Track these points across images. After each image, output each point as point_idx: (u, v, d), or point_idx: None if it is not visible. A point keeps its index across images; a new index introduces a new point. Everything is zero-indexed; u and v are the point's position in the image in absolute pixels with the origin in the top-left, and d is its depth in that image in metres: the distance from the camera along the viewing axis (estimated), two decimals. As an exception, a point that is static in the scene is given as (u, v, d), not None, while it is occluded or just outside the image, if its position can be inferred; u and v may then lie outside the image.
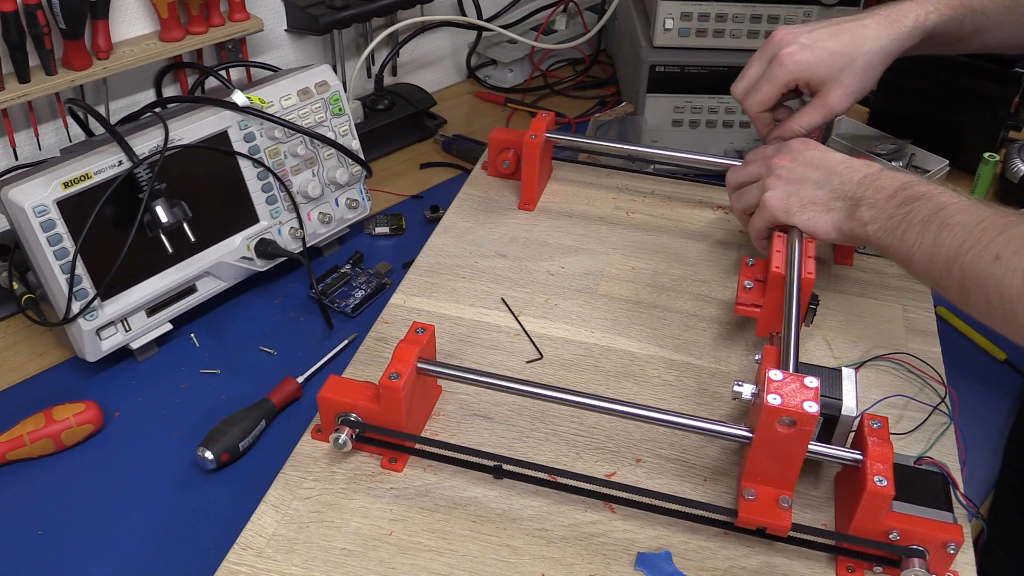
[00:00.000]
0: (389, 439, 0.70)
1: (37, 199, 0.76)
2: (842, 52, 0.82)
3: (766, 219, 0.81)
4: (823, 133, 0.98)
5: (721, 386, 0.79)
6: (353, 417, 0.69)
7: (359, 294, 0.97)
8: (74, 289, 0.79)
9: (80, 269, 0.79)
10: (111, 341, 0.84)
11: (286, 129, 0.92)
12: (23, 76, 0.92)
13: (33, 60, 0.93)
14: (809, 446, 0.63)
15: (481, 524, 0.66)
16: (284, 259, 0.95)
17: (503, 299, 0.88)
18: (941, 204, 0.68)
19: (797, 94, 0.88)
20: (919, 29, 0.82)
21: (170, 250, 0.84)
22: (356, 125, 1.09)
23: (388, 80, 1.30)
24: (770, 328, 0.79)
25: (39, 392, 0.84)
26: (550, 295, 0.89)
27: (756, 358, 0.72)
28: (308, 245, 0.97)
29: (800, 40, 0.83)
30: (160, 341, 0.89)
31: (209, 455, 0.75)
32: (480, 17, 1.35)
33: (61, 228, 0.78)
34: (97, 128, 0.95)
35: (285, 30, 1.18)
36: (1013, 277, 0.60)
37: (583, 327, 0.85)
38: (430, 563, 0.63)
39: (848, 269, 0.93)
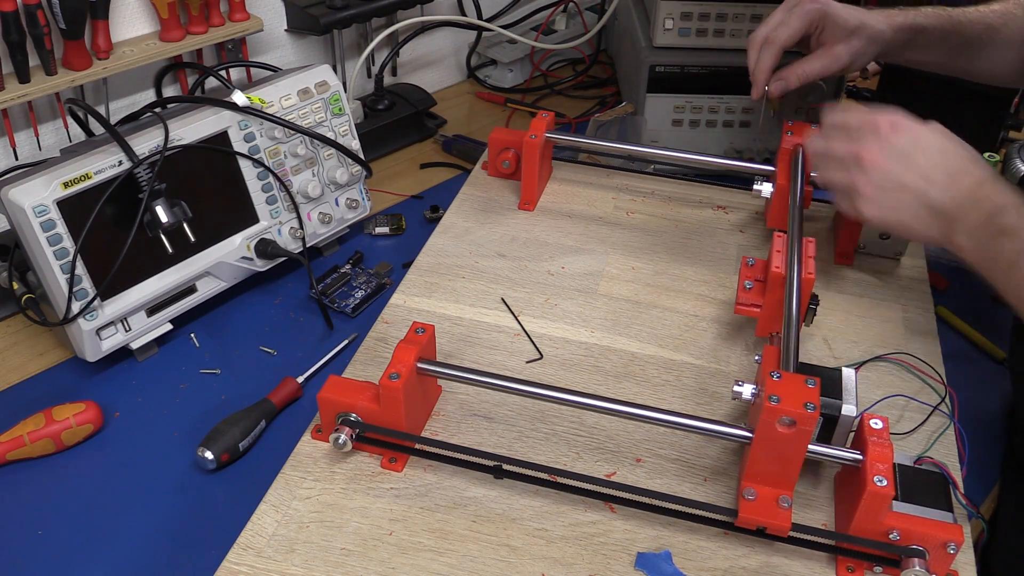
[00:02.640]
0: (389, 439, 0.70)
1: (37, 199, 0.76)
2: (856, 15, 0.90)
3: (859, 219, 0.77)
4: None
5: (721, 386, 0.79)
6: (353, 417, 0.69)
7: (359, 294, 0.97)
8: (74, 289, 0.79)
9: (80, 269, 0.79)
10: (111, 341, 0.84)
11: (286, 129, 0.91)
12: (23, 76, 0.92)
13: (33, 60, 0.93)
14: (809, 446, 0.63)
15: (481, 524, 0.66)
16: (284, 259, 0.95)
17: (503, 299, 0.88)
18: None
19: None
20: (908, 25, 0.92)
21: (170, 250, 0.84)
22: (356, 125, 1.09)
23: (388, 80, 1.30)
24: (770, 328, 0.80)
25: (39, 392, 0.84)
26: (550, 295, 0.89)
27: (756, 358, 0.72)
28: (308, 245, 0.97)
29: None
30: (160, 341, 0.89)
31: (209, 455, 0.75)
32: (480, 17, 1.35)
33: (61, 228, 0.77)
34: (97, 128, 0.95)
35: (285, 30, 1.18)
36: None
37: (583, 327, 0.85)
38: (430, 563, 0.63)
39: (848, 269, 0.93)
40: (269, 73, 1.02)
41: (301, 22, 1.16)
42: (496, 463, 0.68)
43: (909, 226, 0.72)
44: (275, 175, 0.93)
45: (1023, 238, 0.64)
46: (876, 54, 0.92)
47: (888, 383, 0.80)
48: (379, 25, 1.26)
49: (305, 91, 0.94)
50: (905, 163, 0.71)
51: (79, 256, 0.79)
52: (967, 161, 0.71)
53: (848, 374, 0.69)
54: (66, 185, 0.77)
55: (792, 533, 0.63)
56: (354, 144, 1.00)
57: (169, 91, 1.09)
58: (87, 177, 0.79)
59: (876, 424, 0.64)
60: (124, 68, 0.98)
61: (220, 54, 1.10)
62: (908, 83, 1.22)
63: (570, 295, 0.89)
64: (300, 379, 0.85)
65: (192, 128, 0.86)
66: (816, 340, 0.84)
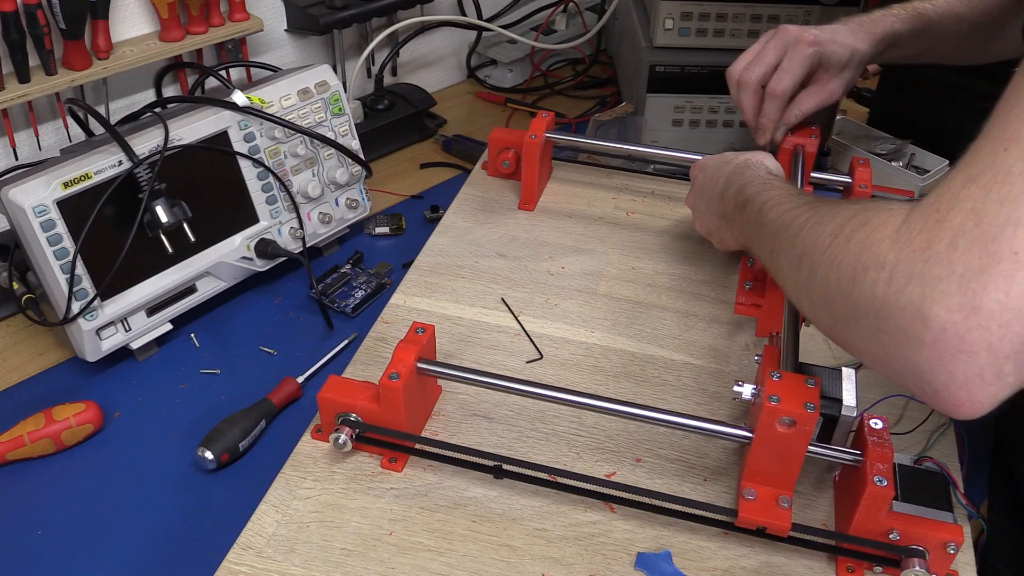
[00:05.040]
0: (389, 439, 0.70)
1: (37, 199, 0.76)
2: (847, 46, 0.90)
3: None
4: (823, 134, 0.98)
5: (721, 386, 0.79)
6: (353, 417, 0.69)
7: (359, 294, 0.97)
8: (74, 289, 0.79)
9: (80, 269, 0.79)
10: (111, 341, 0.84)
11: (286, 129, 0.91)
12: (23, 76, 0.92)
13: (33, 60, 0.93)
14: (809, 446, 0.63)
15: (481, 524, 0.66)
16: (284, 259, 0.95)
17: (503, 299, 0.88)
18: (760, 204, 0.69)
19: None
20: (887, 36, 0.92)
21: (170, 250, 0.84)
22: (356, 125, 1.09)
23: (388, 80, 1.30)
24: (770, 328, 0.79)
25: (39, 392, 0.84)
26: (550, 295, 0.89)
27: (756, 358, 0.72)
28: (308, 245, 0.97)
29: (812, 30, 0.91)
30: (160, 341, 0.89)
31: (209, 455, 0.75)
32: (480, 17, 1.35)
33: (61, 228, 0.77)
34: (97, 128, 0.95)
35: (285, 30, 1.18)
36: (797, 281, 0.58)
37: (583, 327, 0.85)
38: (430, 563, 0.63)
39: (848, 269, 0.93)
40: (269, 73, 1.02)
41: (301, 22, 1.16)
42: (496, 463, 0.68)
43: (722, 237, 0.82)
44: (275, 175, 0.93)
45: (759, 201, 0.69)
46: (860, 72, 0.94)
47: (888, 383, 0.79)
48: (379, 25, 1.26)
49: (305, 91, 0.94)
50: (704, 192, 0.85)
51: (79, 256, 0.79)
52: (727, 171, 0.80)
53: (848, 374, 0.69)
54: (66, 185, 0.77)
55: (792, 533, 0.63)
56: (354, 144, 1.00)
57: (169, 91, 1.09)
58: (87, 177, 0.79)
59: (876, 424, 0.64)
60: (124, 68, 0.98)
61: (220, 54, 1.10)
62: (907, 83, 1.22)
63: (570, 295, 0.89)
64: (300, 379, 0.85)
65: (192, 128, 0.86)
66: (816, 340, 0.84)
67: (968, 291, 0.43)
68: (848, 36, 0.91)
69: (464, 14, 1.36)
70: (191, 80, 1.09)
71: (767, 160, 0.79)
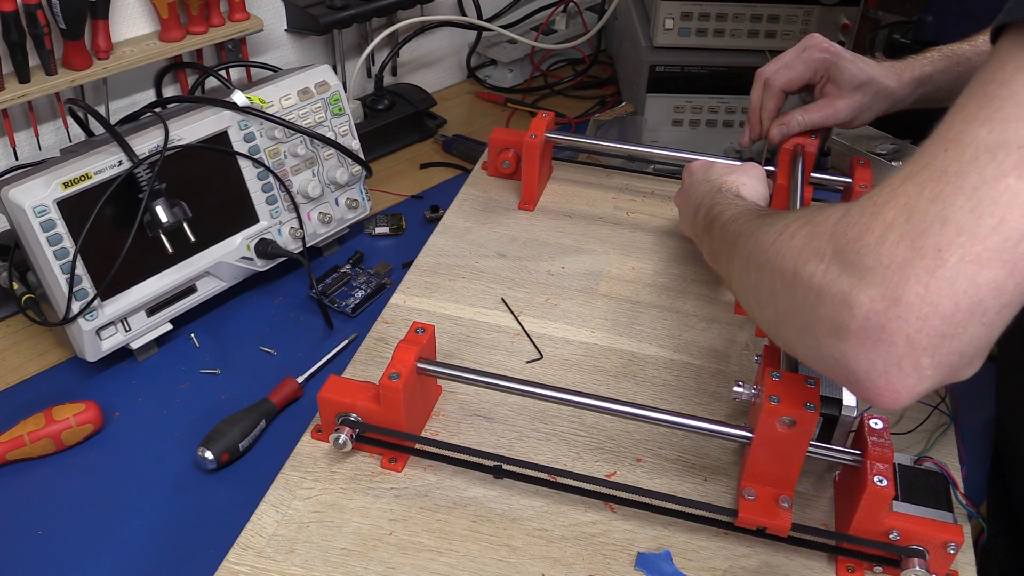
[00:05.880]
0: (389, 439, 0.70)
1: (37, 199, 0.76)
2: (867, 72, 0.90)
3: None
4: (822, 134, 0.98)
5: (721, 386, 0.79)
6: (353, 417, 0.69)
7: (359, 294, 0.97)
8: (74, 289, 0.79)
9: (80, 269, 0.79)
10: (111, 341, 0.84)
11: (286, 129, 0.91)
12: (23, 76, 0.92)
13: (33, 60, 0.93)
14: (809, 446, 0.63)
15: (481, 524, 0.66)
16: (284, 259, 0.95)
17: (503, 299, 0.88)
18: (723, 222, 0.69)
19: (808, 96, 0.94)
20: (915, 80, 0.91)
21: (170, 250, 0.84)
22: (356, 125, 1.09)
23: (388, 80, 1.30)
24: (770, 328, 0.79)
25: (39, 392, 0.84)
26: (550, 295, 0.89)
27: (756, 358, 0.72)
28: (308, 245, 0.97)
29: (835, 45, 0.91)
30: (160, 341, 0.89)
31: (209, 455, 0.75)
32: (480, 17, 1.35)
33: (61, 228, 0.77)
34: (97, 128, 0.95)
35: (285, 30, 1.18)
36: (743, 288, 0.61)
37: (583, 327, 0.85)
38: (430, 563, 0.63)
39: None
40: (269, 73, 1.02)
41: (301, 22, 1.16)
42: (496, 463, 0.68)
43: (699, 244, 0.80)
44: (275, 175, 0.93)
45: (722, 220, 0.70)
46: (884, 110, 0.92)
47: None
48: (379, 25, 1.26)
49: (305, 91, 0.94)
50: (687, 199, 0.85)
51: (79, 256, 0.79)
52: (701, 193, 0.81)
53: (848, 374, 0.69)
54: (66, 185, 0.77)
55: (792, 533, 0.63)
56: (354, 144, 1.00)
57: (169, 91, 1.09)
58: (87, 177, 0.79)
59: (876, 424, 0.64)
60: (124, 68, 0.98)
61: (220, 54, 1.10)
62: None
63: (570, 295, 0.89)
64: (300, 379, 0.85)
65: (192, 128, 0.86)
66: (816, 340, 0.84)
67: (891, 283, 0.44)
68: (873, 66, 0.90)
69: (464, 14, 1.36)
70: (191, 80, 1.09)
71: (743, 185, 0.79)
